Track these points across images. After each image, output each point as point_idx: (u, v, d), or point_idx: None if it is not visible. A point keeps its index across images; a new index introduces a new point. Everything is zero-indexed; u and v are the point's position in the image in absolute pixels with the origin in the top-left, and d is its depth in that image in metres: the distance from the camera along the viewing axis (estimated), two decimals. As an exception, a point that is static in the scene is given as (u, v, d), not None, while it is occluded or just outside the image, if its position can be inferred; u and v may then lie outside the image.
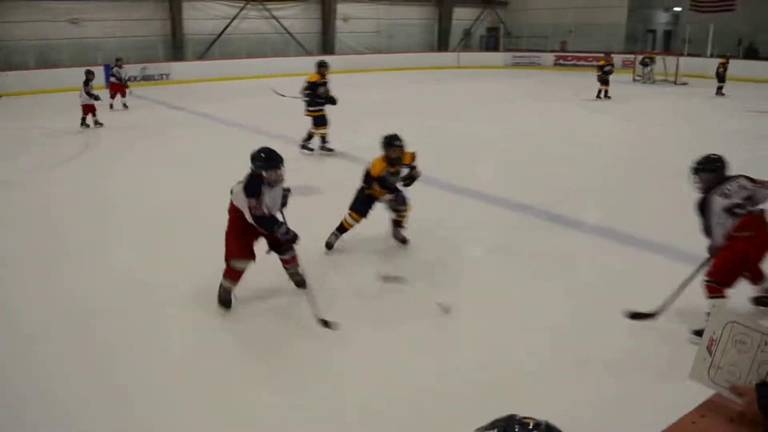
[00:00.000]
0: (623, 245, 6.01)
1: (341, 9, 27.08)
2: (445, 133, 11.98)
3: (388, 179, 5.63)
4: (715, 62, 20.54)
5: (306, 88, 10.02)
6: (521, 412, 1.19)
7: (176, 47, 23.81)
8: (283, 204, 4.65)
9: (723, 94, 17.49)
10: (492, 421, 1.09)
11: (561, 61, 28.27)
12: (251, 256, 4.57)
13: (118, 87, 15.54)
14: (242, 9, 25.39)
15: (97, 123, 13.07)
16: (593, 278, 5.35)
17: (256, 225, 4.41)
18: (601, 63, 17.17)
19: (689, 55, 23.96)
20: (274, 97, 11.79)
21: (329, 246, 5.83)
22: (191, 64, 23.15)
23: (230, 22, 25.12)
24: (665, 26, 29.93)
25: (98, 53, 20.80)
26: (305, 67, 23.93)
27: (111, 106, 15.17)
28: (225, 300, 4.65)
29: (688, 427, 1.79)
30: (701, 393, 1.90)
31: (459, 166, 9.33)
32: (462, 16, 31.11)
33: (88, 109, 12.99)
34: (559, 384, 3.69)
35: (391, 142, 5.60)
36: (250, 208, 4.34)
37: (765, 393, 1.69)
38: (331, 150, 10.31)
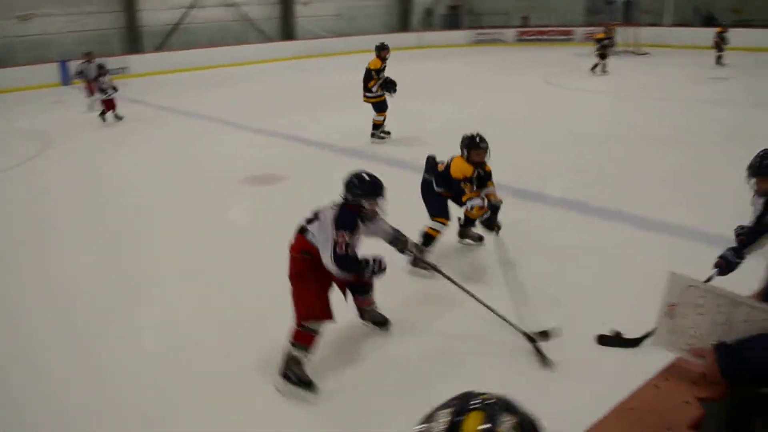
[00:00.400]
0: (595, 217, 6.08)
1: (301, -9, 26.82)
2: (413, 114, 11.90)
3: (472, 183, 4.89)
4: (674, 31, 20.78)
5: (375, 78, 9.59)
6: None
7: (133, 40, 23.27)
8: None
9: (723, 64, 17.32)
10: (448, 400, 1.05)
11: (523, 37, 28.31)
12: (331, 312, 3.56)
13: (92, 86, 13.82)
14: (199, -3, 24.99)
15: (117, 117, 12.51)
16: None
17: (334, 267, 3.40)
18: (599, 36, 16.99)
19: (649, 24, 24.22)
20: (234, 86, 11.63)
21: (416, 265, 4.72)
22: (150, 56, 22.66)
23: (187, 12, 24.65)
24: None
25: (52, 49, 20.30)
26: (266, 53, 23.99)
27: (99, 110, 12.66)
28: (302, 378, 3.50)
29: (651, 391, 1.80)
30: (666, 358, 1.90)
31: (431, 148, 9.28)
32: (423, -5, 31.00)
33: (109, 105, 12.35)
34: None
35: (478, 144, 4.88)
36: (336, 245, 3.37)
37: (723, 353, 1.69)
38: (387, 133, 10.06)
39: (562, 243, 5.52)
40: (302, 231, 3.56)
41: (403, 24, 30.17)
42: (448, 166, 4.99)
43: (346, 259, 3.38)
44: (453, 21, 32.57)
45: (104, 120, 12.41)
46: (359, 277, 3.63)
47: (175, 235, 6.19)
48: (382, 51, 9.72)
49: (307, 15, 27.20)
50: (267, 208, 6.88)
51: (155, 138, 11.08)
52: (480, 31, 29.63)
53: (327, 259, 3.39)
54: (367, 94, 9.67)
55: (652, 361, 2.04)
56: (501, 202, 4.98)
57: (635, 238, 5.58)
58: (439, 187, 5.09)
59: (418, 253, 4.11)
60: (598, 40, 16.85)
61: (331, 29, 27.94)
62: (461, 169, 4.87)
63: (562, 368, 3.60)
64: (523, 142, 9.41)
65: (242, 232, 6.20)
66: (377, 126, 9.90)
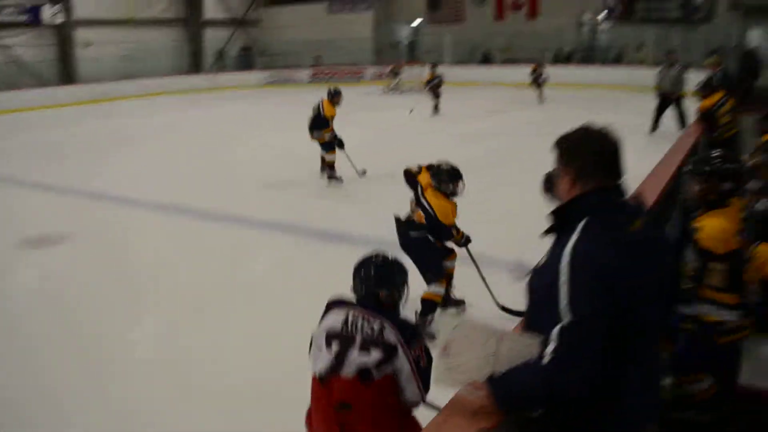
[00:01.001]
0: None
1: (81, 34, 25.08)
2: (200, 158, 11.61)
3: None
4: (457, 69, 22.46)
5: (330, 127, 9.21)
6: None
7: None
8: None
9: (542, 101, 18.13)
10: None
11: (316, 77, 29.02)
12: None
13: None
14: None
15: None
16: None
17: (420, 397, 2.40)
18: (428, 78, 17.27)
19: (432, 64, 25.99)
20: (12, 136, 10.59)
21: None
22: None
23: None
24: (408, 38, 32.18)
25: None
26: (43, 99, 22.07)
27: None
28: None
29: (438, 428, 1.85)
30: (449, 394, 1.97)
31: (220, 192, 9.10)
32: (214, 37, 30.51)
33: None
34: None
35: (460, 175, 4.49)
36: (416, 362, 2.36)
37: (494, 384, 1.78)
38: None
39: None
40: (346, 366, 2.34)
41: (195, 65, 29.53)
42: (431, 214, 4.46)
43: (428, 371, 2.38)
44: (246, 62, 32.56)
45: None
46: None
47: None
48: (336, 96, 9.38)
49: (90, 57, 25.55)
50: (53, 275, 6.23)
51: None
52: (273, 71, 29.90)
53: (411, 389, 2.36)
54: (317, 137, 9.29)
55: (437, 399, 2.12)
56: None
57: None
58: (441, 239, 4.57)
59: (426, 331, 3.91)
60: (428, 82, 17.08)
61: (117, 72, 26.55)
62: (447, 212, 4.42)
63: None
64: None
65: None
66: (332, 166, 9.45)
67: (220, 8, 30.96)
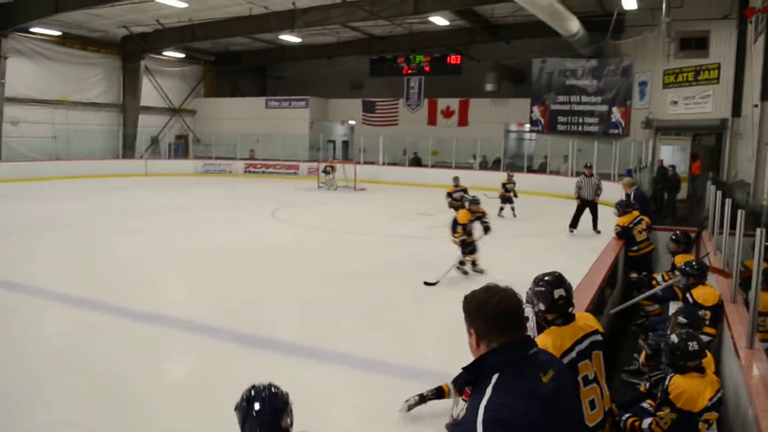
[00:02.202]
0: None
1: (9, 111, 24.54)
2: (111, 249, 11.33)
3: None
4: (389, 170, 23.00)
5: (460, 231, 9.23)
6: None
7: None
8: None
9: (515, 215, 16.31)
10: None
11: (251, 169, 29.21)
12: None
13: None
14: None
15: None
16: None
17: None
18: (504, 182, 16.25)
19: (365, 162, 26.72)
20: None
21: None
22: None
23: None
24: (343, 137, 33.05)
25: None
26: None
27: None
28: None
29: None
30: None
31: (131, 288, 8.86)
32: (148, 123, 30.44)
33: None
34: None
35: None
36: None
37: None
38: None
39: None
40: None
41: (129, 150, 29.24)
42: None
43: None
44: (180, 150, 32.57)
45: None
46: None
47: None
48: (473, 204, 9.46)
49: (16, 136, 24.97)
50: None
51: None
52: (208, 161, 29.95)
53: None
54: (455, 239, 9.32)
55: None
56: None
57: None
58: None
59: None
60: (504, 185, 16.23)
61: (45, 152, 26.00)
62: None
63: None
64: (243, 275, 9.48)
65: None
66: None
67: (158, 95, 31.14)
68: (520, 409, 1.81)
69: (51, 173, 23.93)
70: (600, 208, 13.69)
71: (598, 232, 13.08)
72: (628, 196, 9.96)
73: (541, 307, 3.14)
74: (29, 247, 11.09)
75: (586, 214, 13.68)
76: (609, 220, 8.86)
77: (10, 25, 22.77)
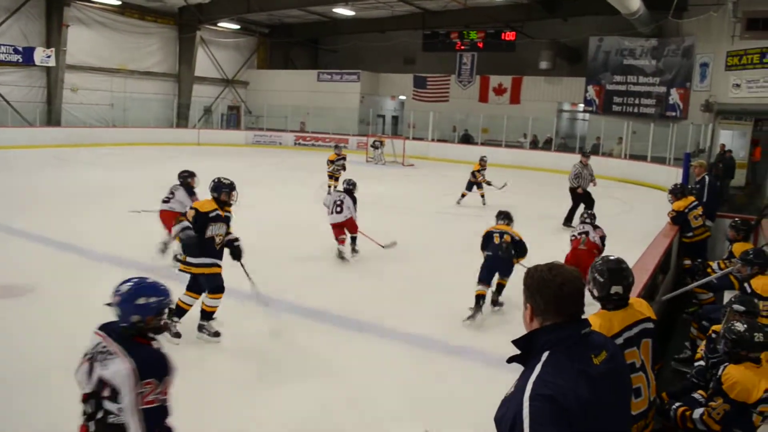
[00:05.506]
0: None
1: (69, 78, 25.22)
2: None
3: None
4: (438, 146, 22.81)
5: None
6: None
7: None
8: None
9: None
10: None
11: (300, 141, 29.40)
12: None
13: None
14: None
15: None
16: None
17: None
18: (475, 169, 14.71)
19: (414, 138, 26.61)
20: None
21: None
22: None
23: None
24: (393, 112, 32.93)
25: None
26: (25, 138, 22.01)
27: None
28: None
29: None
30: None
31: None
32: (202, 93, 30.93)
33: None
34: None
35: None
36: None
37: None
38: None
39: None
40: None
41: (182, 119, 29.78)
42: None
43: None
44: (232, 121, 32.98)
45: None
46: None
47: None
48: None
49: (76, 102, 25.67)
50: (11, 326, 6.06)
51: None
52: (259, 132, 30.26)
53: None
54: None
55: None
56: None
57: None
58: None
59: None
60: (474, 173, 14.73)
61: (102, 118, 26.67)
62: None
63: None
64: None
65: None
66: None
67: (212, 66, 31.53)
68: (570, 388, 1.80)
69: (108, 140, 24.58)
70: (650, 191, 12.79)
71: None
72: (690, 179, 9.54)
73: (595, 293, 3.08)
74: (85, 210, 11.43)
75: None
76: (665, 205, 8.58)
77: (72, -7, 23.35)
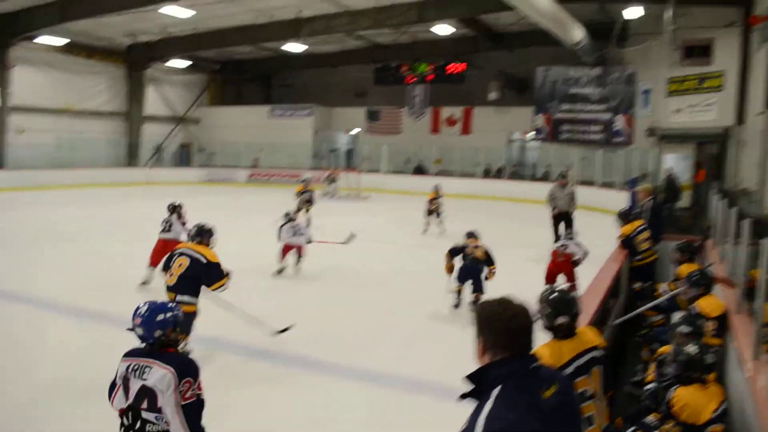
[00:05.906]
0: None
1: (15, 120, 24.64)
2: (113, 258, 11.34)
3: None
4: (392, 178, 22.90)
5: None
6: None
7: None
8: None
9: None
10: None
11: (254, 177, 29.25)
12: None
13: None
14: None
15: None
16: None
17: None
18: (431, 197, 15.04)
19: (369, 171, 26.74)
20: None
21: None
22: None
23: None
24: (347, 145, 33.10)
25: None
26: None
27: None
28: None
29: None
30: None
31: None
32: (153, 131, 30.46)
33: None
34: None
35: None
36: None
37: None
38: None
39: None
40: None
41: (132, 159, 29.31)
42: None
43: None
44: (184, 158, 32.62)
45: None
46: None
47: None
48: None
49: (22, 144, 24.95)
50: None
51: None
52: (211, 170, 30.00)
53: None
54: None
55: None
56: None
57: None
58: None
59: None
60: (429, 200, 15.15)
61: (50, 160, 26.01)
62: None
63: None
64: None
65: None
66: None
67: (162, 104, 31.22)
68: (521, 422, 1.81)
69: (56, 181, 23.96)
70: (599, 216, 13.36)
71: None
72: (631, 206, 9.88)
73: (544, 322, 3.11)
74: (31, 258, 11.10)
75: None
76: (614, 229, 8.78)
77: (17, 33, 22.89)
